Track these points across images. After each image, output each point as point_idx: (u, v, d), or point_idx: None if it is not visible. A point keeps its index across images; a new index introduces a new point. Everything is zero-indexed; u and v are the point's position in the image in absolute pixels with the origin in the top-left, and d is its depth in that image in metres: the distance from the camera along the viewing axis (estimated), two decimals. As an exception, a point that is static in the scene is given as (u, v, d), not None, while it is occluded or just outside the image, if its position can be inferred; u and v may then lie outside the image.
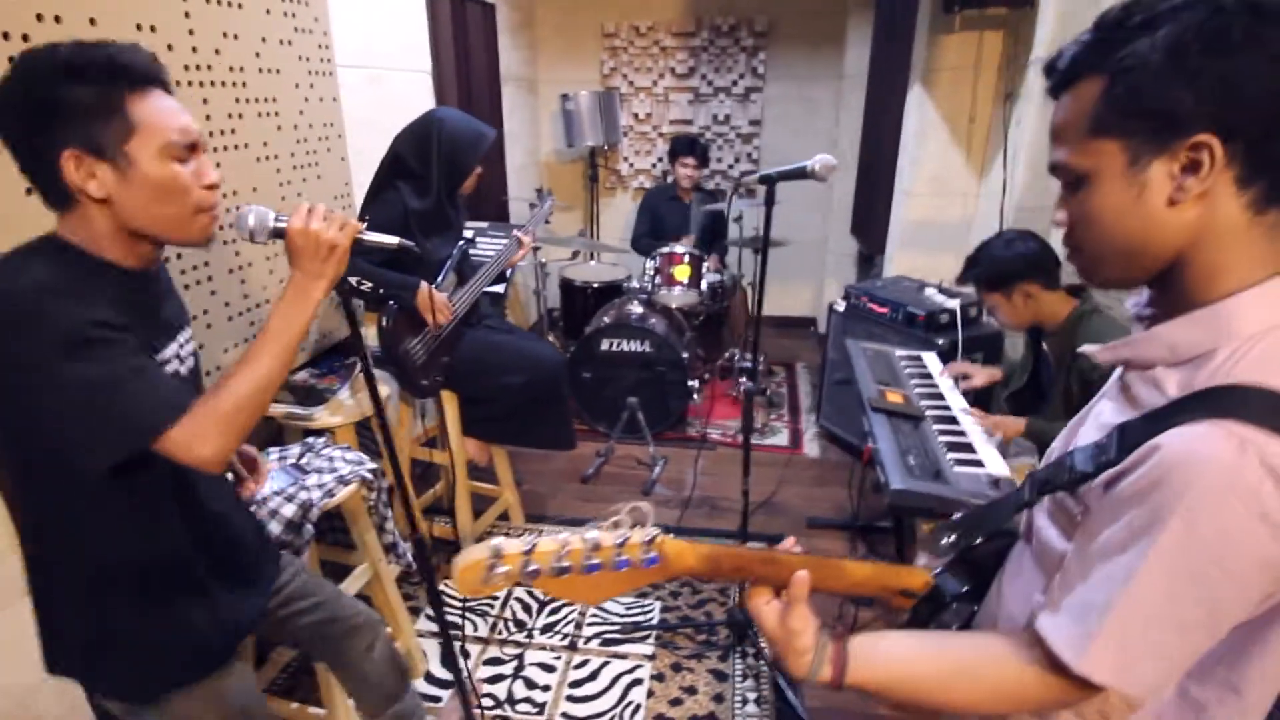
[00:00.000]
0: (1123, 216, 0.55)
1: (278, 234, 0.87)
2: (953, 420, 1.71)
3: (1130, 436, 0.55)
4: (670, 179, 3.59)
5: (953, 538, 0.69)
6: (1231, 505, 0.48)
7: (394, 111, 2.30)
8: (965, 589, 0.70)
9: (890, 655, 0.63)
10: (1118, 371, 0.64)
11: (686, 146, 3.41)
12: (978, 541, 0.70)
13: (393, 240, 0.95)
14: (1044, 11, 2.19)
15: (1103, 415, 0.63)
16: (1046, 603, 0.59)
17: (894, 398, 1.80)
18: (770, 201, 1.55)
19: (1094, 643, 0.53)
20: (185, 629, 0.93)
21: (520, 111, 3.83)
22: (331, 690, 1.42)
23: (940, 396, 1.84)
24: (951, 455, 1.53)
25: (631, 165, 4.21)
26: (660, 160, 4.15)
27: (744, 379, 3.38)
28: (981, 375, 1.90)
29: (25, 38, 1.05)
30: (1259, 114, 0.50)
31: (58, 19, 1.09)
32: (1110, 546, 0.54)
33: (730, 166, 4.14)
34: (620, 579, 0.62)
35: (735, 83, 3.94)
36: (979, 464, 1.51)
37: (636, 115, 4.08)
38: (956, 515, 0.71)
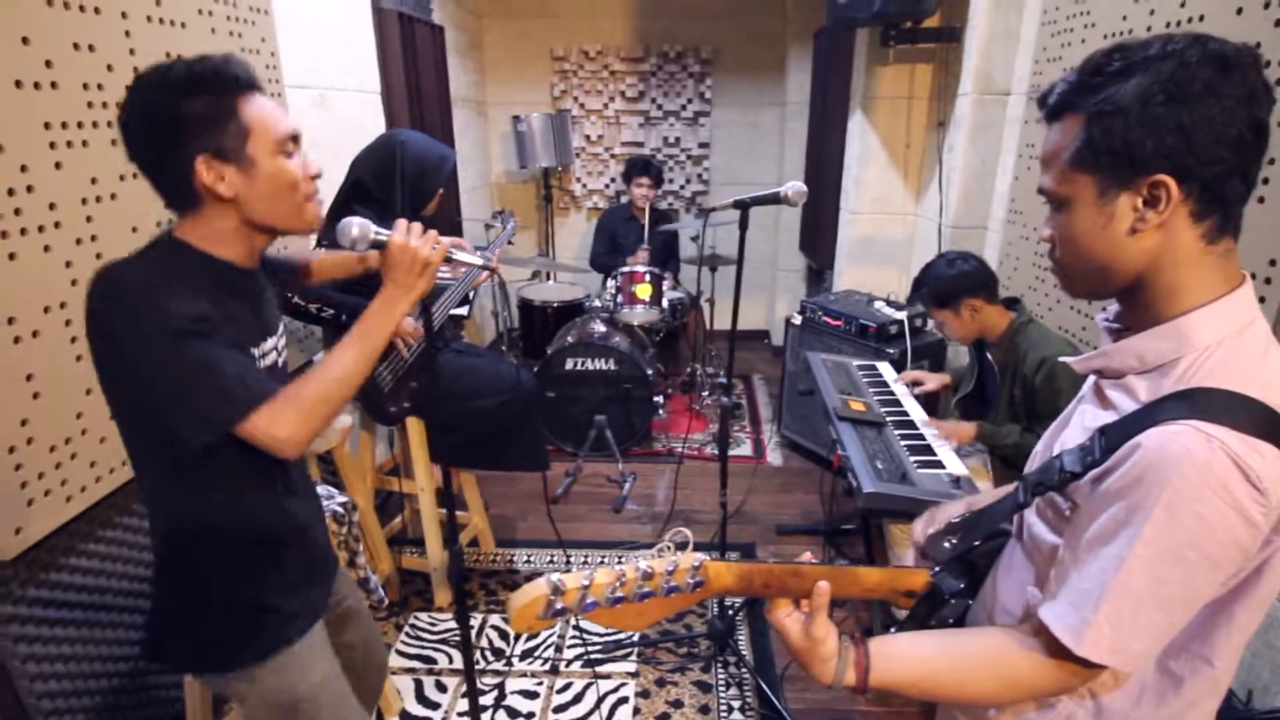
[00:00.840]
0: (1093, 240, 0.62)
1: (377, 245, 0.93)
2: (911, 425, 1.79)
3: (1111, 438, 0.61)
4: (625, 199, 3.64)
5: (954, 540, 0.74)
6: (1205, 495, 0.54)
7: (343, 133, 2.25)
8: (962, 585, 0.75)
9: (908, 656, 0.67)
10: (1091, 379, 0.71)
11: (641, 167, 3.48)
12: (976, 543, 0.74)
13: (477, 260, 0.99)
14: (968, 46, 2.38)
15: (1085, 419, 0.69)
16: (1046, 595, 0.64)
17: (857, 406, 1.87)
18: (744, 225, 1.60)
19: (1091, 628, 0.58)
20: (274, 600, 0.99)
21: (471, 133, 3.80)
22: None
23: (898, 403, 1.93)
24: (914, 458, 1.61)
25: (585, 186, 4.24)
26: (614, 180, 4.20)
27: (708, 393, 3.45)
28: (933, 381, 2.01)
29: (-43, 57, 0.98)
30: (1211, 159, 0.56)
31: (-9, 37, 1.03)
32: (1099, 538, 0.59)
33: (681, 187, 4.23)
34: (667, 604, 0.65)
35: (684, 107, 4.05)
36: (939, 465, 1.59)
37: (588, 137, 4.13)
38: (956, 519, 0.76)
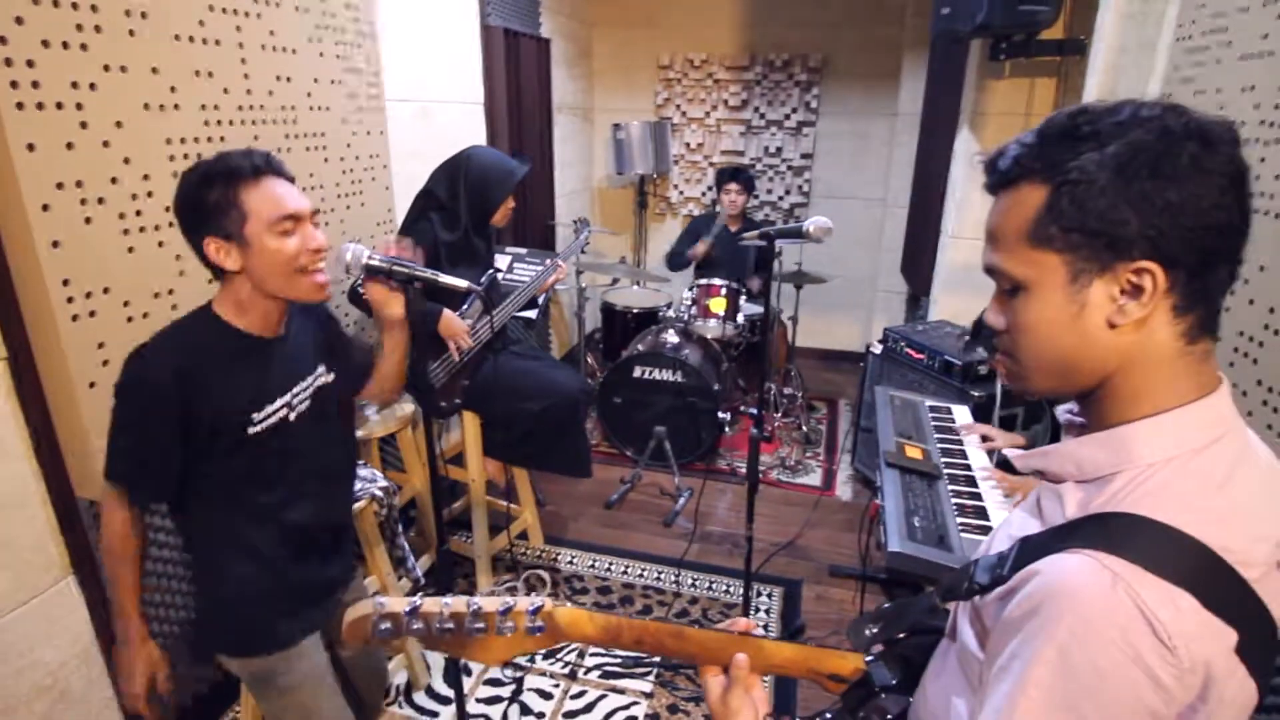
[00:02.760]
0: (1061, 332, 0.54)
1: (371, 270, 1.06)
2: (972, 481, 1.61)
3: (1026, 553, 0.53)
4: (718, 208, 3.60)
5: (875, 630, 0.68)
6: (1102, 643, 0.46)
7: (444, 142, 2.43)
8: (894, 681, 0.68)
9: None
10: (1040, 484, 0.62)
11: (730, 174, 3.43)
12: (900, 636, 0.68)
13: (461, 284, 1.10)
14: (1094, 60, 2.09)
15: (1014, 527, 0.61)
16: None
17: (913, 453, 1.71)
18: (771, 255, 1.54)
19: None
20: (266, 613, 1.15)
21: (575, 139, 3.95)
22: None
23: (963, 454, 1.75)
24: (961, 520, 1.45)
25: (681, 193, 4.25)
26: (710, 189, 4.17)
27: (782, 414, 3.33)
28: (1003, 439, 1.78)
29: (93, 86, 1.19)
30: (1198, 244, 0.49)
31: (124, 69, 1.24)
32: (998, 674, 0.52)
33: (780, 198, 4.11)
34: (510, 643, 0.64)
35: (788, 116, 3.92)
36: (990, 531, 1.42)
37: (688, 145, 4.13)
38: (883, 605, 0.70)
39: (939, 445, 1.78)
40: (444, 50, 2.44)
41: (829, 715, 0.73)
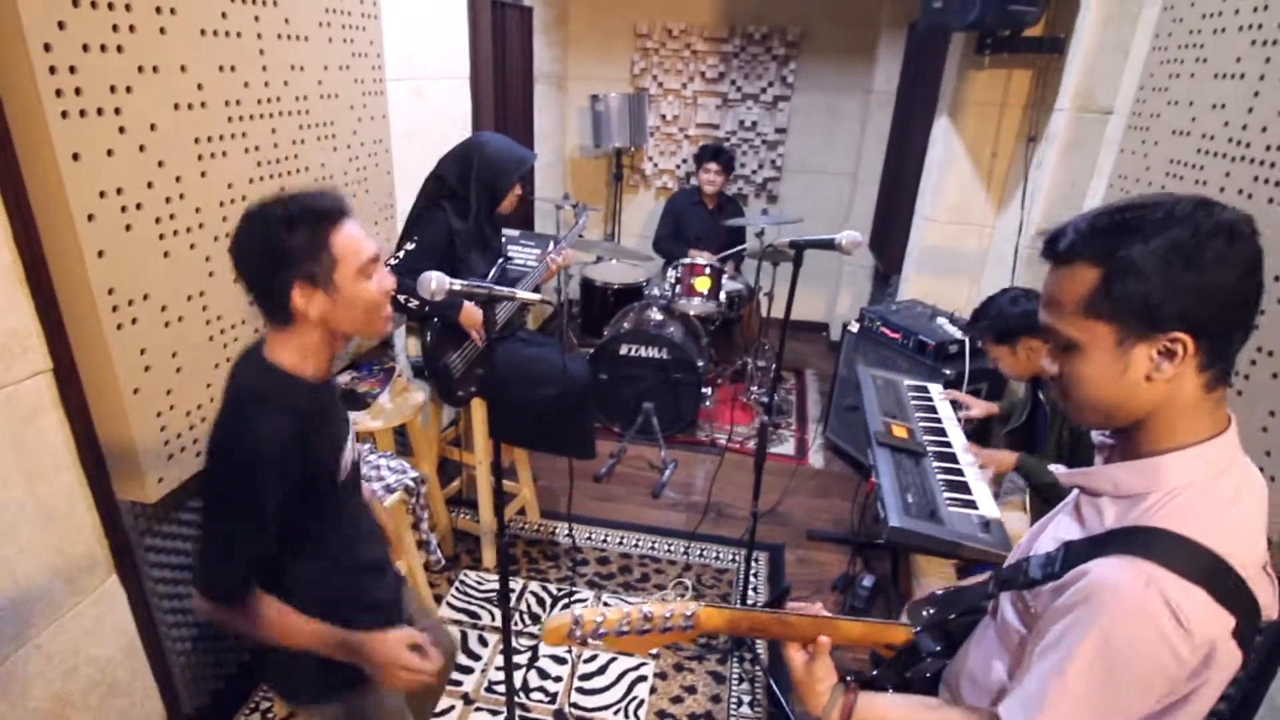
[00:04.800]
0: (1107, 384, 0.68)
1: (455, 295, 1.08)
2: (952, 458, 1.81)
3: (1072, 555, 0.69)
4: (694, 183, 3.67)
5: (931, 612, 0.86)
6: (1137, 628, 0.62)
7: (434, 121, 2.38)
8: (938, 648, 0.86)
9: (886, 714, 0.79)
10: (1075, 492, 0.78)
11: (712, 154, 3.48)
12: (951, 617, 0.85)
13: (536, 297, 1.17)
14: (1071, 60, 2.24)
15: (1059, 529, 0.77)
16: (1009, 688, 0.73)
17: (899, 432, 1.90)
18: (798, 264, 1.66)
19: None
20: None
21: (549, 109, 3.88)
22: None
23: (943, 432, 1.95)
24: (948, 495, 1.64)
25: (656, 165, 4.27)
26: (685, 161, 4.21)
27: (757, 386, 3.51)
28: (979, 407, 2.00)
29: (129, 89, 1.15)
30: (1221, 318, 0.63)
31: (155, 69, 1.19)
32: (1048, 647, 0.68)
33: (754, 172, 4.19)
34: (664, 637, 0.80)
35: (764, 90, 3.98)
36: (973, 505, 1.62)
37: (664, 116, 4.13)
38: (938, 591, 0.88)
39: (921, 424, 1.98)
40: (434, 23, 2.36)
41: (875, 672, 0.90)
